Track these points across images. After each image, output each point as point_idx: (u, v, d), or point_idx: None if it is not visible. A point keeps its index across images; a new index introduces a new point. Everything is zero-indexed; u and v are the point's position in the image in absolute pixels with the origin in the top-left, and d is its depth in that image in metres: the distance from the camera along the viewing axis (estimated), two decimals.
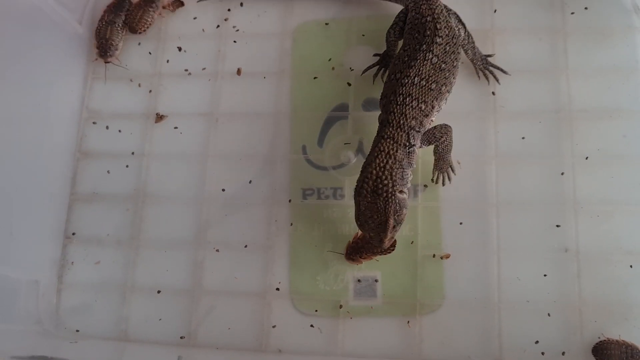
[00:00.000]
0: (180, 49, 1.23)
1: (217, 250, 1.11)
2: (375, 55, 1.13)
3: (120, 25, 1.22)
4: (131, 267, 1.13)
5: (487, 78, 1.11)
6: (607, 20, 1.15)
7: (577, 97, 1.11)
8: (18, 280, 1.06)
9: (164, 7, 1.24)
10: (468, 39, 1.09)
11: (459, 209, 1.07)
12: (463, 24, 1.08)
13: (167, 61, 1.23)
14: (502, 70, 1.11)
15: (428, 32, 1.01)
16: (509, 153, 1.09)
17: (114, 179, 1.18)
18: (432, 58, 0.99)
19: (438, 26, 1.01)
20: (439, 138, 1.01)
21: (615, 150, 1.07)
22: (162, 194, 1.16)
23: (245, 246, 1.10)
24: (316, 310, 1.06)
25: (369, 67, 1.13)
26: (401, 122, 0.96)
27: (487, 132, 1.10)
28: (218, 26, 1.23)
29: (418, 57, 0.99)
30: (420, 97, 0.97)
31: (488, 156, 1.09)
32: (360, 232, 1.01)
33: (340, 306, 1.05)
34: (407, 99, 0.97)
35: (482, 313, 1.03)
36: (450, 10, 1.08)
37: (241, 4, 1.23)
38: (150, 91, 1.21)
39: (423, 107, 0.97)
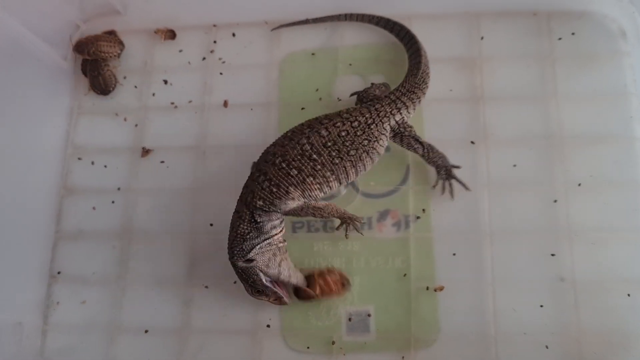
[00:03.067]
0: (166, 82, 1.22)
1: (206, 287, 1.09)
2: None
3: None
4: (118, 306, 1.10)
5: (443, 188, 1.06)
6: (594, 45, 1.15)
7: (567, 123, 1.10)
8: (1, 323, 1.03)
9: (155, 32, 1.23)
10: (428, 152, 1.04)
11: (452, 239, 1.06)
12: (420, 142, 1.03)
13: (153, 94, 1.21)
14: (464, 185, 1.06)
15: (325, 121, 0.98)
16: (501, 181, 1.08)
17: (99, 215, 1.15)
18: (304, 144, 0.95)
19: (339, 125, 0.97)
20: (303, 212, 0.98)
21: (608, 176, 1.07)
22: (149, 230, 1.14)
23: (235, 282, 1.07)
24: (308, 347, 1.03)
25: (355, 93, 1.12)
26: (248, 199, 0.96)
27: (478, 160, 1.09)
28: (204, 58, 1.22)
29: (294, 139, 0.96)
30: (274, 179, 0.94)
31: (480, 184, 1.08)
32: None
33: (333, 342, 1.03)
34: (261, 177, 0.95)
35: (479, 346, 1.00)
36: (404, 132, 1.03)
37: (233, 34, 1.23)
38: (136, 125, 1.20)
39: (274, 190, 0.94)
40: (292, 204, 0.96)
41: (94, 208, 1.16)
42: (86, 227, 1.15)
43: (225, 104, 1.19)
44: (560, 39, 1.15)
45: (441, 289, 1.03)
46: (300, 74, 1.20)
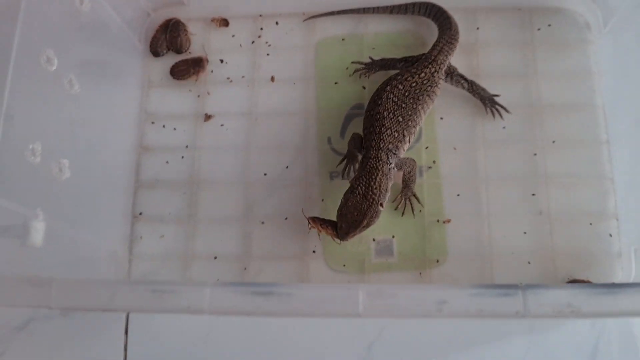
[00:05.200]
0: (222, 61, 1.47)
1: (263, 223, 1.34)
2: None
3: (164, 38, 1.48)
4: (191, 239, 1.34)
5: (492, 114, 1.35)
6: (566, 35, 1.41)
7: (545, 95, 1.37)
8: (103, 249, 1.29)
9: (211, 21, 1.48)
10: (472, 87, 1.34)
11: (457, 184, 1.33)
12: (465, 79, 1.34)
13: (212, 71, 1.46)
14: (504, 108, 1.35)
15: (398, 77, 1.29)
16: (494, 139, 1.35)
17: (172, 168, 1.39)
18: (392, 98, 1.26)
19: (409, 79, 1.28)
20: (407, 167, 1.26)
21: (575, 135, 1.34)
22: (214, 180, 1.38)
23: (286, 218, 1.33)
24: (344, 265, 1.30)
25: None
26: (381, 145, 1.22)
27: (476, 124, 1.37)
28: (253, 42, 1.48)
29: (382, 97, 1.26)
30: (392, 126, 1.24)
31: (477, 142, 1.35)
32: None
33: (365, 263, 1.30)
34: (382, 127, 1.23)
35: (478, 264, 1.27)
36: (454, 72, 1.34)
37: (277, 23, 1.49)
38: (198, 96, 1.45)
39: (396, 135, 1.24)
40: (403, 149, 1.25)
41: (167, 162, 1.40)
42: (161, 178, 1.39)
43: (272, 79, 1.45)
44: (539, 29, 1.42)
45: (448, 221, 1.31)
46: (332, 55, 1.45)
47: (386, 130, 1.24)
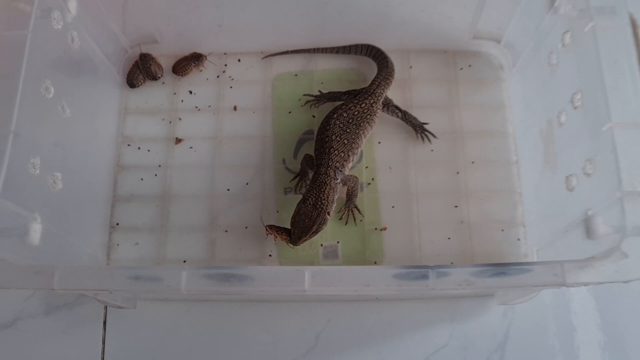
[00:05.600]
0: (191, 92, 1.67)
1: (226, 231, 1.53)
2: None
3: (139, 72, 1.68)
4: (162, 246, 1.52)
5: (422, 139, 1.58)
6: (483, 73, 1.63)
7: (466, 123, 1.59)
8: (86, 253, 1.46)
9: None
10: (405, 116, 1.57)
11: (392, 197, 1.53)
12: (400, 109, 1.57)
13: (182, 101, 1.67)
14: (432, 134, 1.56)
15: (343, 107, 1.52)
16: (423, 160, 1.56)
17: (146, 184, 1.58)
18: (338, 124, 1.48)
19: (352, 108, 1.49)
20: (351, 183, 1.48)
21: (491, 157, 1.55)
22: (183, 195, 1.56)
23: (246, 227, 1.52)
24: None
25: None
26: (329, 163, 1.45)
27: (408, 147, 1.59)
28: (218, 76, 1.69)
29: (330, 123, 1.49)
30: (339, 148, 1.46)
31: (409, 162, 1.57)
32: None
33: (314, 265, 1.51)
34: (331, 149, 1.46)
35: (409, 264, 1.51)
36: (390, 103, 1.56)
37: (239, 60, 1.71)
38: (170, 122, 1.64)
39: (342, 155, 1.47)
40: (348, 168, 1.46)
41: (141, 179, 1.58)
42: (136, 193, 1.57)
43: (235, 108, 1.65)
44: (461, 68, 1.63)
45: (385, 229, 1.51)
46: (287, 88, 1.66)
47: (334, 151, 1.46)
